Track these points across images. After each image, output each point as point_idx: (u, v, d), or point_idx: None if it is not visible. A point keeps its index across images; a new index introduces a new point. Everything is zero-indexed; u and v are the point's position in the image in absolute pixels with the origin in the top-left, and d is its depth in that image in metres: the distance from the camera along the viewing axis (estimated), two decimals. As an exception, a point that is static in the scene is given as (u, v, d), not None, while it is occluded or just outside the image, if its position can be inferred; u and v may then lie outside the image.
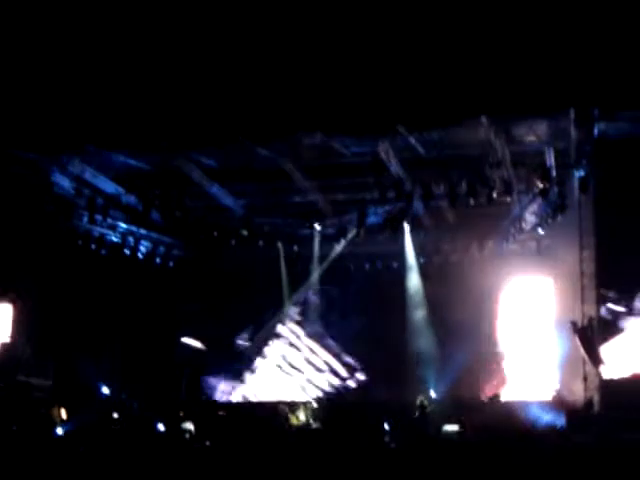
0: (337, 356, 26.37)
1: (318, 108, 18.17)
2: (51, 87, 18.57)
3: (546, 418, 19.20)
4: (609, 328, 19.40)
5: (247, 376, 26.81)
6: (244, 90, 17.74)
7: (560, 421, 18.52)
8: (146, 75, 18.37)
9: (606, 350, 19.12)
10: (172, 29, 17.17)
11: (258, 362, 26.89)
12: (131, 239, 25.52)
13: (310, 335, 26.84)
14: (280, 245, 25.72)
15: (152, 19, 16.91)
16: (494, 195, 20.87)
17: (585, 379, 19.09)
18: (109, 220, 23.84)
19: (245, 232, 24.42)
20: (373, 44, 17.76)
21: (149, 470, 7.62)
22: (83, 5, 16.63)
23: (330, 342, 26.53)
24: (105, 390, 23.40)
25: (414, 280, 25.03)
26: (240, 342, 26.41)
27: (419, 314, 24.64)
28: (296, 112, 18.12)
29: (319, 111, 18.19)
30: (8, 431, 19.06)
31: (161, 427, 21.59)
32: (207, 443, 18.52)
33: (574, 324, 19.13)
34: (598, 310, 19.57)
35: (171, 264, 26.84)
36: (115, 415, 21.76)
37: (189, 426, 21.36)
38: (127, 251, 25.51)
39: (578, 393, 19.50)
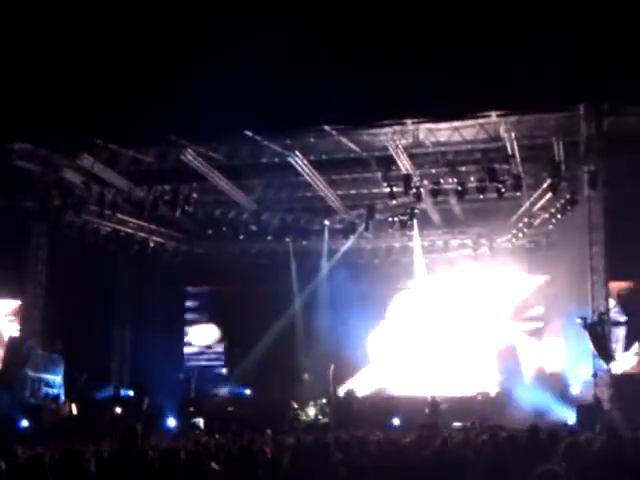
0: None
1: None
2: (61, 82, 18.65)
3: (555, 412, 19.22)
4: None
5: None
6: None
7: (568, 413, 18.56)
8: (152, 71, 18.48)
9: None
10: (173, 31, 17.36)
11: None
12: (141, 234, 25.53)
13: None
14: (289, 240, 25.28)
15: (155, 22, 17.05)
16: (503, 190, 20.76)
17: (595, 375, 18.99)
18: (118, 215, 23.82)
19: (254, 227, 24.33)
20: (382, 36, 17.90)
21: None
22: (96, 8, 16.77)
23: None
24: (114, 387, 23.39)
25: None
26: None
27: None
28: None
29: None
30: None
31: (171, 422, 21.63)
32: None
33: (584, 320, 19.03)
34: (608, 306, 19.53)
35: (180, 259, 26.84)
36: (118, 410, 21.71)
37: (199, 422, 21.41)
38: (136, 246, 25.51)
39: (588, 389, 19.44)
